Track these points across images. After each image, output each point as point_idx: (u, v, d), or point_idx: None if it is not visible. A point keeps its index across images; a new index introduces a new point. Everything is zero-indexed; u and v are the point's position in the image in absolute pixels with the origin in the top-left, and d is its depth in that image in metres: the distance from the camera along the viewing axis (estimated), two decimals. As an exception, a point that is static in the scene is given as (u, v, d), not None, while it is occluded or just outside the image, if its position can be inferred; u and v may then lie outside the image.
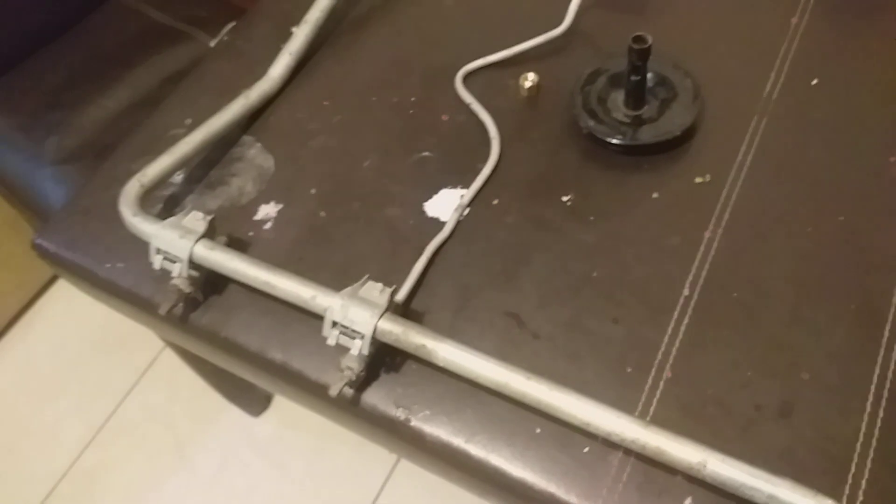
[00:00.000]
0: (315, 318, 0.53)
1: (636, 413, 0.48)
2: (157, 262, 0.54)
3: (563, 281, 0.55)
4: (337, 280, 0.53)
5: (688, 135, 0.60)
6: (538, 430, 0.49)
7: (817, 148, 0.58)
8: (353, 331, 0.49)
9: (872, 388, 0.48)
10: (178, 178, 0.63)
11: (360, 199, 0.61)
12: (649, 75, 0.59)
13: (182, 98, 0.70)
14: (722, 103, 0.61)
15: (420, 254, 0.56)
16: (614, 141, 0.59)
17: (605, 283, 0.54)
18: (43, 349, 1.32)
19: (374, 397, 0.52)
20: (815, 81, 0.62)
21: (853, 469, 0.45)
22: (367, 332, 0.49)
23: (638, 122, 0.60)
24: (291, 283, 0.52)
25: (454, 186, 0.60)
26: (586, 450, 0.48)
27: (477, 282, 0.55)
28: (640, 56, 0.56)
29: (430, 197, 0.60)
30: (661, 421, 0.47)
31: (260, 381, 0.60)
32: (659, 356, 0.51)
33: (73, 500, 1.17)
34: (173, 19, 1.06)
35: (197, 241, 0.53)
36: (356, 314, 0.49)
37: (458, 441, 0.49)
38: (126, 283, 0.59)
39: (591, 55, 0.66)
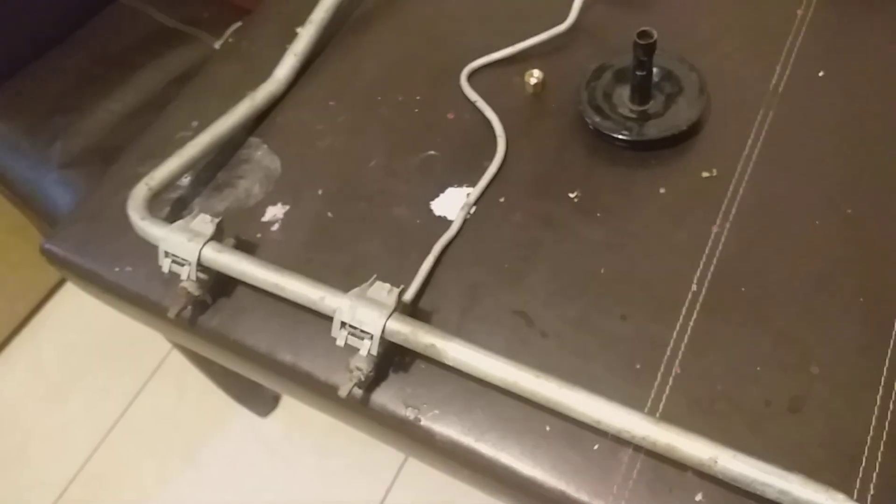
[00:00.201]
0: (324, 319, 0.53)
1: (645, 410, 0.48)
2: (165, 265, 0.54)
3: (570, 278, 0.55)
4: (345, 280, 0.53)
5: (694, 129, 0.59)
6: (548, 428, 0.49)
7: (824, 141, 0.58)
8: (362, 331, 0.49)
9: (882, 381, 0.48)
10: (186, 180, 0.64)
11: (367, 199, 0.61)
12: (655, 70, 0.59)
13: (188, 100, 0.70)
14: (728, 97, 0.61)
15: (427, 253, 0.56)
16: (620, 136, 0.59)
17: (612, 279, 0.54)
18: (51, 353, 1.33)
19: (384, 397, 0.52)
20: (821, 74, 0.62)
21: (864, 463, 0.45)
22: (376, 333, 0.49)
23: (644, 118, 0.60)
24: (300, 285, 0.52)
25: (460, 185, 0.60)
26: (596, 447, 0.48)
27: (484, 280, 0.55)
28: (646, 51, 0.56)
29: (437, 196, 0.60)
30: (671, 417, 0.47)
31: (269, 383, 0.60)
32: (668, 352, 0.50)
33: (83, 503, 1.18)
34: (177, 21, 1.06)
35: (205, 243, 0.53)
36: (365, 315, 0.49)
37: (467, 440, 0.50)
38: (134, 286, 0.60)
39: (595, 51, 0.66)
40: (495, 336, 0.53)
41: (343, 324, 0.50)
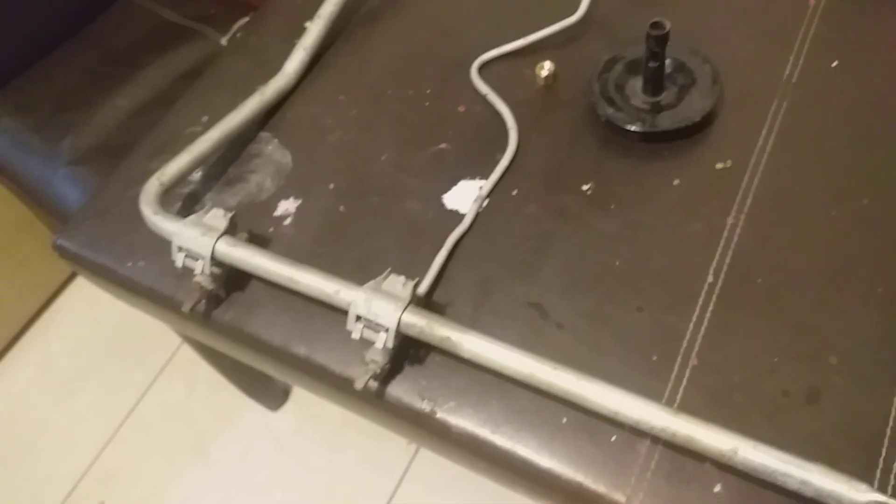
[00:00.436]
0: (337, 312, 0.53)
1: (662, 402, 0.48)
2: (179, 259, 0.54)
3: (585, 270, 0.54)
4: (358, 274, 0.53)
5: (707, 120, 0.59)
6: (564, 420, 0.49)
7: (839, 130, 0.58)
8: (378, 324, 0.49)
9: (901, 371, 0.47)
10: (197, 176, 0.64)
11: (379, 193, 0.61)
12: (667, 61, 0.59)
13: (198, 96, 0.70)
14: (741, 88, 0.61)
15: (440, 246, 0.56)
16: (633, 128, 0.58)
17: (627, 271, 0.54)
18: (61, 348, 1.33)
19: (399, 390, 0.52)
20: (835, 63, 0.61)
21: (884, 454, 0.45)
22: (392, 326, 0.49)
23: (657, 109, 0.60)
24: (314, 278, 0.52)
25: (472, 178, 0.60)
26: (613, 438, 0.47)
27: (498, 273, 0.55)
28: (658, 42, 0.56)
29: (449, 189, 0.60)
30: (688, 409, 0.46)
31: (284, 376, 0.60)
32: (684, 344, 0.50)
33: (95, 498, 1.18)
34: (183, 17, 1.06)
35: (219, 238, 0.53)
36: (380, 308, 0.49)
37: (484, 432, 0.49)
38: (147, 281, 0.60)
39: (607, 42, 0.66)
40: (509, 329, 0.53)
41: (358, 317, 0.49)
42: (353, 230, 0.59)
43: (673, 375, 0.49)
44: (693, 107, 0.59)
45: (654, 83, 0.59)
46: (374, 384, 0.51)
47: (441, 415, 0.50)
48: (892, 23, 0.63)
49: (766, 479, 0.42)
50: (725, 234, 0.54)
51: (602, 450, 0.47)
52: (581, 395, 0.45)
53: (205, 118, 0.67)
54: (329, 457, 1.16)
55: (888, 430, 0.45)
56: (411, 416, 0.51)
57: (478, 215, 0.58)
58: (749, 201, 0.55)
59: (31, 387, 1.30)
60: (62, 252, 0.64)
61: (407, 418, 0.52)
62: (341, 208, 0.60)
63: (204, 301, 0.56)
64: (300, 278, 0.52)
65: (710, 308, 0.51)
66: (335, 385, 0.54)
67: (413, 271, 0.53)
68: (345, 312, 0.51)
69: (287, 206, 0.61)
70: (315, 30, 0.68)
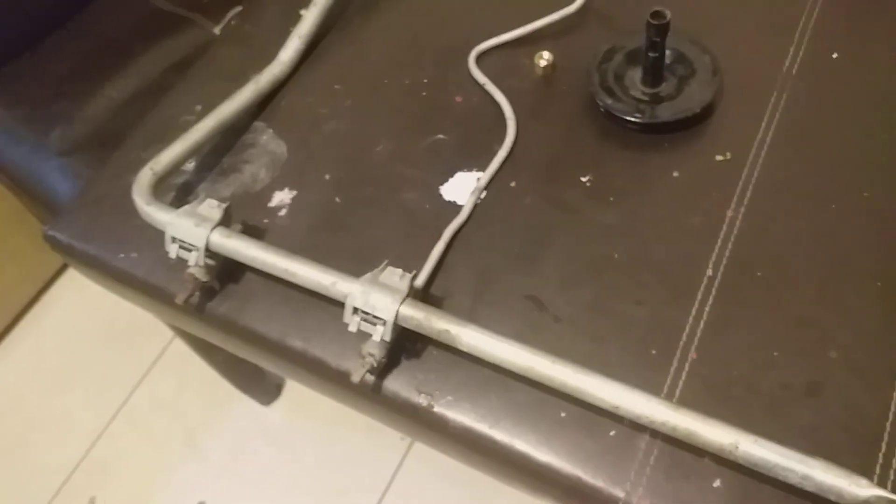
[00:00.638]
0: (333, 304, 0.52)
1: (662, 395, 0.48)
2: (172, 250, 0.54)
3: (583, 263, 0.54)
4: (354, 266, 0.52)
5: (707, 112, 0.59)
6: (563, 415, 0.48)
7: (839, 123, 0.57)
8: (375, 317, 0.48)
9: (901, 365, 0.47)
10: (190, 166, 0.63)
11: (375, 184, 0.60)
12: (667, 52, 0.58)
13: (191, 84, 0.69)
14: (741, 79, 0.60)
15: (438, 238, 0.56)
16: (633, 119, 0.58)
17: (626, 264, 0.53)
18: (52, 341, 1.32)
19: (396, 384, 0.51)
20: (835, 55, 0.61)
21: (884, 448, 0.44)
22: (389, 318, 0.48)
23: (656, 100, 0.59)
24: (311, 270, 0.51)
25: (470, 169, 0.60)
26: (612, 433, 0.47)
27: (496, 265, 0.55)
28: (659, 32, 0.55)
29: (446, 180, 0.59)
30: (688, 403, 0.46)
31: (279, 370, 0.59)
32: (683, 337, 0.50)
33: (86, 491, 1.17)
34: (175, 5, 1.04)
35: (213, 228, 0.53)
36: (377, 300, 0.48)
37: (482, 427, 0.49)
38: (140, 272, 0.59)
39: (606, 32, 0.65)
40: (507, 321, 0.52)
41: (355, 309, 0.49)
42: (350, 221, 0.58)
43: (672, 369, 0.49)
44: (693, 98, 0.58)
45: (654, 74, 0.59)
46: (370, 378, 0.51)
47: (438, 409, 0.50)
48: (891, 14, 0.63)
49: (767, 473, 0.42)
50: (725, 226, 0.54)
51: (601, 444, 0.47)
52: (581, 389, 0.45)
53: (198, 107, 0.66)
54: (322, 451, 1.15)
55: (888, 425, 0.45)
56: (408, 411, 0.51)
57: (476, 207, 0.58)
58: (749, 194, 0.55)
59: (22, 380, 1.29)
60: (53, 243, 0.63)
61: (404, 412, 0.51)
62: (337, 199, 0.60)
63: (198, 293, 0.55)
64: (296, 270, 0.51)
65: (710, 301, 0.51)
66: (331, 379, 0.53)
67: (410, 263, 0.53)
68: (341, 305, 0.50)
69: (282, 197, 0.60)
70: (310, 17, 0.67)
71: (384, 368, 0.51)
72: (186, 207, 0.54)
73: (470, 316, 0.51)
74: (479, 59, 0.66)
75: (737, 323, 0.50)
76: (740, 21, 0.64)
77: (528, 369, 0.46)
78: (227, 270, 0.56)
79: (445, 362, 0.51)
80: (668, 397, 0.48)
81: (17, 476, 1.20)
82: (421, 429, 0.52)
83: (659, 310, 0.51)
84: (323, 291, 0.51)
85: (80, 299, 1.34)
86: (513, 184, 0.58)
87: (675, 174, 0.57)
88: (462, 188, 0.59)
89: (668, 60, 0.59)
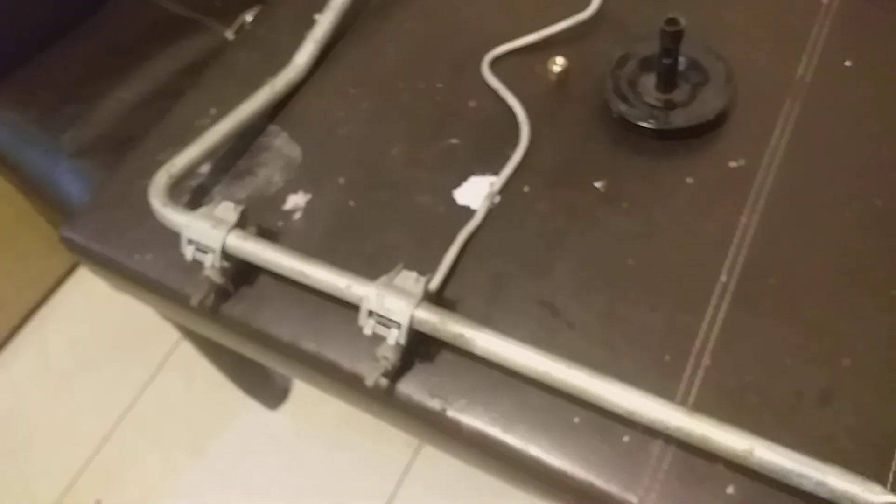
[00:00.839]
0: (347, 307, 0.52)
1: (675, 401, 0.47)
2: (188, 252, 0.54)
3: (597, 268, 0.54)
4: (368, 269, 0.53)
5: (721, 119, 0.59)
6: (576, 420, 0.48)
7: (852, 130, 0.58)
8: (389, 320, 0.49)
9: (914, 374, 0.47)
10: (205, 168, 0.63)
11: (389, 188, 0.60)
12: (681, 59, 0.58)
13: (206, 88, 0.69)
14: (754, 87, 0.60)
15: (451, 242, 0.56)
16: (646, 125, 0.58)
17: (640, 270, 0.53)
18: (59, 344, 1.32)
19: (409, 387, 0.51)
20: (848, 63, 0.61)
21: (897, 456, 0.45)
22: (404, 322, 0.48)
23: (670, 106, 0.59)
24: (326, 273, 0.51)
25: (483, 174, 0.60)
26: (626, 439, 0.47)
27: (510, 270, 0.55)
28: (673, 39, 0.55)
29: (460, 185, 0.59)
30: (701, 409, 0.46)
31: (292, 372, 0.59)
32: (697, 343, 0.50)
33: (91, 495, 1.18)
34: (187, 9, 1.05)
35: (229, 231, 0.53)
36: (392, 303, 0.48)
37: (495, 431, 0.49)
38: (155, 274, 0.59)
39: (619, 39, 0.65)
40: (521, 326, 0.52)
41: (370, 312, 0.49)
42: (364, 225, 0.59)
43: (686, 375, 0.49)
44: (706, 105, 0.59)
45: (668, 80, 0.59)
46: (384, 381, 0.51)
47: (452, 413, 0.50)
48: (905, 24, 0.63)
49: (781, 479, 0.42)
50: (738, 233, 0.54)
51: (614, 450, 0.47)
52: (597, 394, 0.45)
53: (213, 110, 0.66)
54: (328, 456, 1.15)
55: (902, 433, 0.45)
56: (422, 414, 0.51)
57: (489, 211, 0.58)
58: (762, 201, 0.55)
59: (29, 382, 1.29)
60: (69, 244, 0.63)
61: (417, 416, 0.51)
62: (351, 203, 0.60)
63: (212, 295, 0.55)
64: (312, 273, 0.51)
65: (724, 308, 0.51)
66: (345, 382, 0.53)
67: (424, 267, 0.53)
68: (355, 308, 0.50)
69: (296, 200, 0.60)
70: (325, 22, 0.67)
71: (398, 372, 0.51)
72: (203, 210, 0.55)
73: (483, 320, 0.51)
74: (493, 64, 0.66)
75: (750, 329, 0.50)
76: (754, 28, 0.64)
77: (544, 374, 0.46)
78: (242, 273, 0.56)
79: (458, 366, 0.51)
80: (682, 403, 0.48)
81: (22, 478, 1.20)
82: (434, 432, 0.52)
83: (673, 316, 0.51)
84: (338, 294, 0.51)
85: (87, 302, 1.35)
86: (526, 189, 0.59)
87: (689, 180, 0.57)
88: (476, 193, 0.59)
89: (681, 67, 0.59)
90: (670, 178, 0.57)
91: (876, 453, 0.45)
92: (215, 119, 0.62)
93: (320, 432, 1.18)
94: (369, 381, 0.48)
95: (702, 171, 0.57)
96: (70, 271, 1.37)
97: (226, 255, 0.54)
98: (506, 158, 0.60)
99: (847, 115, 0.58)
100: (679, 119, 0.58)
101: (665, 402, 0.44)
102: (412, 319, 0.48)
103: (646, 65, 0.61)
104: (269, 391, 1.20)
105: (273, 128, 0.65)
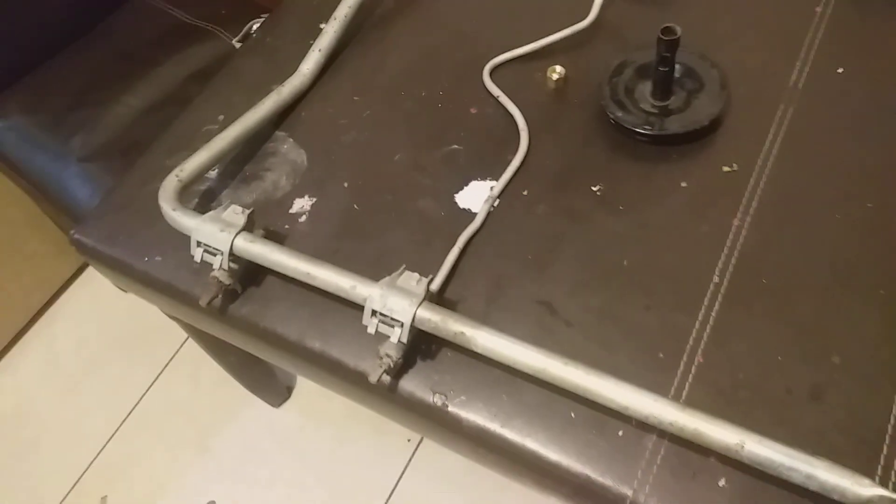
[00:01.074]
0: (351, 307, 0.54)
1: (669, 397, 0.49)
2: (198, 254, 0.56)
3: (594, 269, 0.56)
4: (371, 271, 0.54)
5: (715, 125, 0.60)
6: (573, 415, 0.50)
7: (844, 136, 0.59)
8: (393, 319, 0.50)
9: (903, 371, 0.49)
10: (213, 173, 0.65)
11: (392, 192, 0.62)
12: (676, 66, 0.60)
13: (214, 95, 0.71)
14: (748, 93, 0.62)
15: (452, 244, 0.57)
16: (642, 131, 0.60)
17: (635, 271, 0.55)
18: (66, 344, 1.34)
19: (412, 384, 0.53)
20: (840, 70, 0.63)
21: (885, 451, 0.46)
22: (407, 321, 0.50)
23: (665, 113, 0.61)
24: (331, 274, 0.53)
25: (484, 178, 0.61)
26: (621, 433, 0.49)
27: (509, 271, 0.56)
28: (669, 47, 0.57)
29: (461, 189, 0.61)
30: (694, 405, 0.47)
31: (298, 370, 0.61)
32: (690, 342, 0.51)
33: (98, 491, 1.19)
34: (195, 17, 1.07)
35: (237, 234, 0.55)
36: (395, 303, 0.50)
37: (494, 426, 0.51)
38: (164, 276, 0.61)
39: (616, 47, 0.67)
40: (519, 325, 0.54)
41: (374, 312, 0.51)
42: (368, 228, 0.60)
43: (679, 372, 0.50)
44: (701, 111, 0.60)
45: (664, 87, 0.61)
46: (387, 378, 0.52)
47: (453, 408, 0.52)
48: None
49: (772, 473, 0.43)
50: (731, 235, 0.56)
51: (609, 444, 0.48)
52: (593, 390, 0.46)
53: (221, 117, 0.68)
54: (331, 453, 1.17)
55: (889, 428, 0.47)
56: (423, 410, 0.53)
57: (489, 214, 0.59)
58: (755, 204, 0.57)
59: (36, 382, 1.31)
60: (79, 246, 0.65)
61: (419, 412, 0.53)
62: (356, 206, 0.61)
63: (220, 296, 0.57)
64: (318, 274, 0.53)
65: (716, 307, 0.53)
66: (349, 379, 0.55)
67: (425, 269, 0.55)
68: (359, 308, 0.52)
69: (302, 204, 0.62)
70: (330, 31, 0.69)
71: (400, 369, 0.53)
72: (211, 213, 0.56)
73: (483, 320, 0.52)
74: (494, 72, 0.68)
75: (742, 328, 0.51)
76: (748, 37, 0.66)
77: (542, 371, 0.48)
78: (249, 274, 0.58)
79: (459, 364, 0.53)
80: (675, 400, 0.49)
81: (30, 475, 1.21)
82: (435, 427, 0.53)
83: (667, 315, 0.53)
84: (343, 294, 0.53)
85: (94, 303, 1.36)
86: (525, 192, 0.60)
87: (683, 184, 0.59)
88: (476, 196, 0.60)
89: (677, 74, 0.61)
90: (665, 182, 0.59)
91: (865, 448, 0.46)
92: (223, 125, 0.64)
93: (323, 429, 1.19)
94: (373, 378, 0.50)
95: (696, 176, 0.59)
96: (77, 273, 1.39)
97: (234, 256, 0.55)
98: (506, 163, 0.61)
99: (839, 121, 0.60)
100: (674, 125, 0.60)
101: (659, 398, 0.45)
102: (414, 318, 0.50)
103: (642, 72, 0.63)
104: (273, 389, 1.21)
105: (279, 134, 0.67)
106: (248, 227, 0.56)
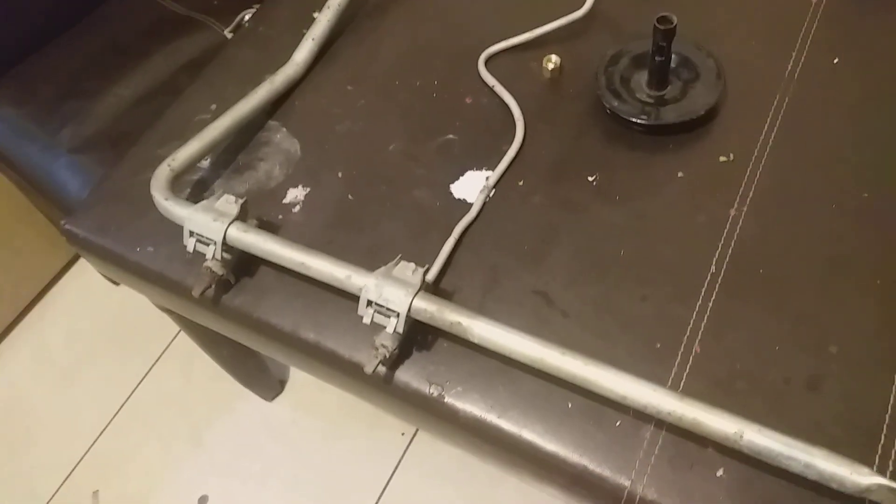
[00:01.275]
0: (346, 298, 0.53)
1: (666, 387, 0.49)
2: (190, 244, 0.55)
3: (590, 260, 0.55)
4: (366, 261, 0.54)
5: (711, 114, 0.60)
6: (569, 405, 0.50)
7: (839, 126, 0.59)
8: (388, 309, 0.50)
9: (899, 360, 0.49)
10: (206, 163, 0.64)
11: (387, 182, 0.61)
12: (672, 56, 0.60)
13: (207, 84, 0.70)
14: (744, 83, 0.62)
15: (448, 235, 0.57)
16: (638, 121, 0.59)
17: (632, 261, 0.55)
18: (57, 337, 1.33)
19: (407, 375, 0.53)
20: (836, 60, 0.62)
21: (882, 440, 0.46)
22: (402, 311, 0.49)
23: (661, 103, 0.61)
24: (326, 264, 0.52)
25: (479, 168, 0.61)
26: (618, 424, 0.48)
27: (505, 262, 0.56)
28: (665, 36, 0.57)
29: (456, 179, 0.61)
30: (691, 395, 0.47)
31: (293, 361, 0.60)
32: (688, 332, 0.51)
33: (90, 485, 1.18)
34: (187, 8, 1.06)
35: (230, 223, 0.54)
36: (391, 293, 0.50)
37: (491, 416, 0.50)
38: (156, 266, 0.60)
39: (612, 37, 0.67)
40: (516, 315, 0.53)
41: (369, 302, 0.50)
42: (362, 218, 0.60)
43: (677, 362, 0.50)
44: (697, 101, 0.60)
45: (660, 77, 0.60)
46: (383, 369, 0.52)
47: (449, 399, 0.51)
48: (891, 20, 0.64)
49: (770, 462, 0.43)
50: (728, 225, 0.55)
51: (607, 434, 0.48)
52: (590, 380, 0.46)
53: (213, 106, 0.67)
54: (324, 447, 1.16)
55: (886, 417, 0.47)
56: (419, 401, 0.52)
57: (485, 205, 0.59)
58: (751, 194, 0.57)
59: (27, 375, 1.30)
60: (70, 237, 0.64)
61: (415, 403, 0.53)
62: (350, 196, 0.61)
63: (214, 286, 0.56)
64: (312, 264, 0.52)
65: (713, 298, 0.52)
66: (344, 370, 0.55)
67: (421, 259, 0.54)
68: (354, 298, 0.51)
69: (296, 194, 0.62)
70: (324, 20, 0.68)
71: (396, 360, 0.53)
72: (204, 203, 0.56)
73: (479, 310, 0.52)
74: (489, 61, 0.67)
75: (739, 318, 0.51)
76: (744, 27, 0.66)
77: (539, 361, 0.48)
78: (242, 264, 0.57)
79: (455, 354, 0.53)
80: (673, 390, 0.49)
81: (21, 469, 1.21)
82: (431, 419, 0.53)
83: (664, 305, 0.53)
84: (338, 285, 0.52)
85: (85, 296, 1.35)
86: (521, 183, 0.60)
87: (680, 174, 0.58)
88: (471, 187, 0.60)
89: (673, 64, 0.61)
90: (662, 172, 0.59)
91: (862, 436, 0.46)
92: (215, 115, 0.63)
93: (316, 423, 1.19)
94: (368, 369, 0.49)
95: (692, 166, 0.59)
96: (68, 266, 1.38)
97: (227, 246, 0.55)
98: (501, 153, 0.61)
99: (834, 111, 0.60)
100: (670, 115, 0.60)
101: (657, 387, 0.45)
102: (410, 308, 0.49)
103: (638, 62, 0.62)
104: (266, 383, 1.21)
105: (273, 123, 0.66)
106: (242, 217, 0.55)
